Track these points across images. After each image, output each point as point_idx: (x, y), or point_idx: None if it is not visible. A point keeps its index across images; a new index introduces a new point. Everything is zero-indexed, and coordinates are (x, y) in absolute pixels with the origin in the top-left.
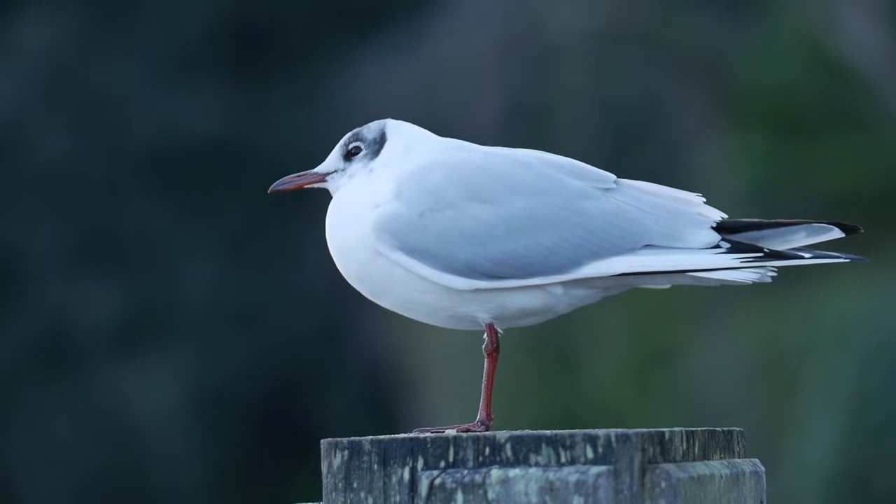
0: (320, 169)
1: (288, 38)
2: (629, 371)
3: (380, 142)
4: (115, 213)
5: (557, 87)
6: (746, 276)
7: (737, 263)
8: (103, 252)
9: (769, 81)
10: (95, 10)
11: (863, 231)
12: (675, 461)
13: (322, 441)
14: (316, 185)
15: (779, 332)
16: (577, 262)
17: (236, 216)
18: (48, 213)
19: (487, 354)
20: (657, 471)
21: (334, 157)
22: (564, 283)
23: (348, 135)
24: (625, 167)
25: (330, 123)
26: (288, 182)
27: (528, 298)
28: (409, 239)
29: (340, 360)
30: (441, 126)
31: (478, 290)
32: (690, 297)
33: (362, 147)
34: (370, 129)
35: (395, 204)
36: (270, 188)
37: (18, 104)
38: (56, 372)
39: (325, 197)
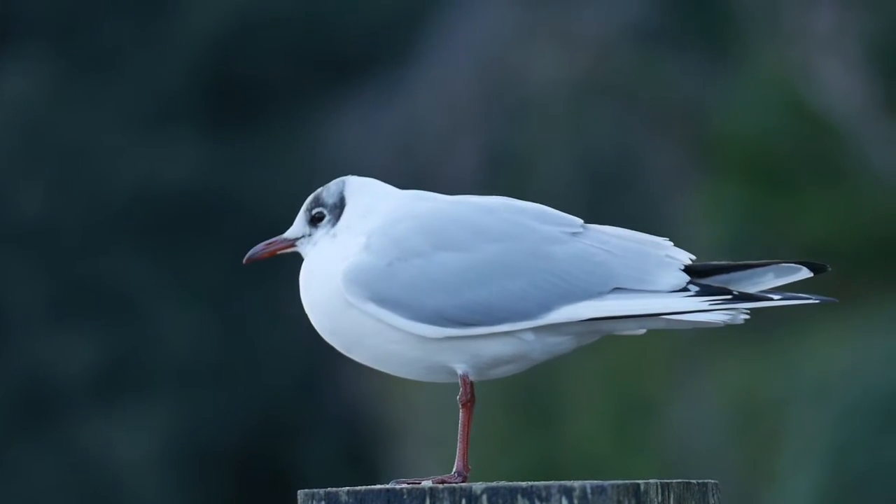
0: (289, 234)
1: (266, 90)
2: (607, 423)
3: (340, 206)
4: (95, 265)
5: (535, 137)
6: (718, 317)
7: (706, 306)
8: (83, 304)
9: (746, 132)
10: (74, 61)
11: (829, 269)
12: None
13: (299, 492)
14: (287, 251)
15: (757, 384)
16: (546, 307)
17: (215, 268)
18: (27, 265)
19: (462, 405)
20: None
21: (301, 222)
22: (535, 330)
23: (311, 197)
24: (602, 217)
25: (309, 174)
26: (260, 250)
27: (500, 346)
28: (379, 288)
29: (319, 411)
30: (419, 177)
31: (449, 339)
32: (668, 348)
33: (325, 213)
34: (330, 193)
35: (363, 255)
36: (245, 259)
37: None
38: (36, 423)
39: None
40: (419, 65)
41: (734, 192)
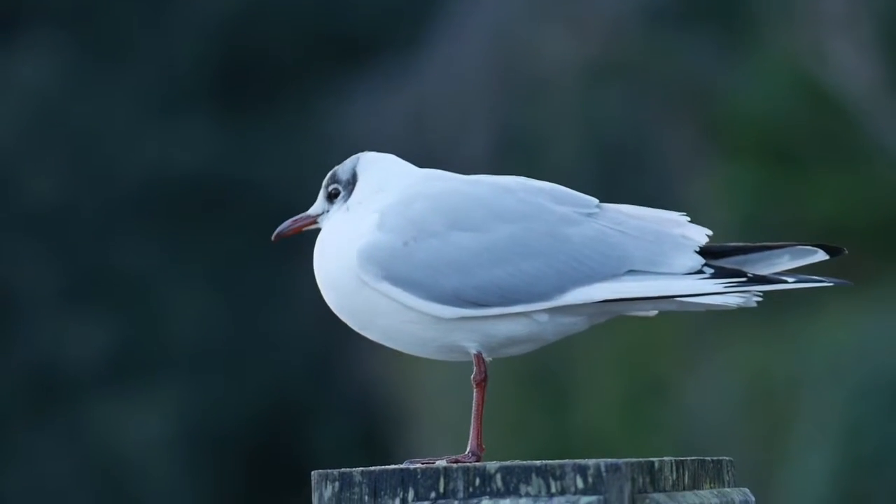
0: (311, 211)
1: (278, 72)
2: (620, 403)
3: (352, 181)
4: (106, 250)
5: (547, 118)
6: (731, 300)
7: (720, 289)
8: (95, 288)
9: (758, 112)
10: (85, 46)
11: (846, 252)
12: (664, 490)
13: (313, 472)
14: (311, 227)
15: (770, 364)
16: (561, 289)
17: (226, 251)
18: (39, 250)
19: (476, 384)
20: (647, 500)
21: (321, 199)
22: (549, 311)
23: (328, 175)
24: (614, 198)
25: (321, 157)
26: (287, 227)
27: (514, 326)
28: (394, 268)
29: (332, 393)
30: (431, 157)
31: (464, 319)
32: (681, 328)
33: (340, 188)
34: (344, 169)
35: (378, 234)
36: (273, 236)
37: (9, 141)
38: (48, 408)
39: (313, 232)
40: (431, 46)
41: (746, 173)
